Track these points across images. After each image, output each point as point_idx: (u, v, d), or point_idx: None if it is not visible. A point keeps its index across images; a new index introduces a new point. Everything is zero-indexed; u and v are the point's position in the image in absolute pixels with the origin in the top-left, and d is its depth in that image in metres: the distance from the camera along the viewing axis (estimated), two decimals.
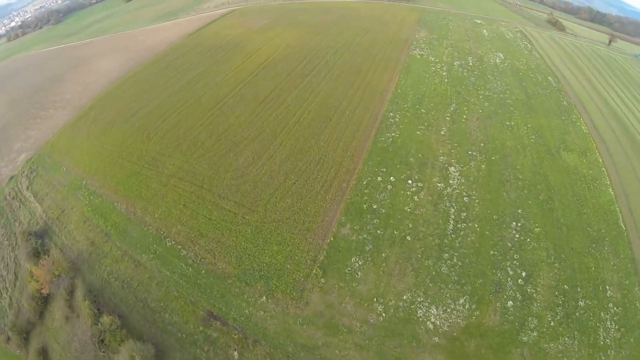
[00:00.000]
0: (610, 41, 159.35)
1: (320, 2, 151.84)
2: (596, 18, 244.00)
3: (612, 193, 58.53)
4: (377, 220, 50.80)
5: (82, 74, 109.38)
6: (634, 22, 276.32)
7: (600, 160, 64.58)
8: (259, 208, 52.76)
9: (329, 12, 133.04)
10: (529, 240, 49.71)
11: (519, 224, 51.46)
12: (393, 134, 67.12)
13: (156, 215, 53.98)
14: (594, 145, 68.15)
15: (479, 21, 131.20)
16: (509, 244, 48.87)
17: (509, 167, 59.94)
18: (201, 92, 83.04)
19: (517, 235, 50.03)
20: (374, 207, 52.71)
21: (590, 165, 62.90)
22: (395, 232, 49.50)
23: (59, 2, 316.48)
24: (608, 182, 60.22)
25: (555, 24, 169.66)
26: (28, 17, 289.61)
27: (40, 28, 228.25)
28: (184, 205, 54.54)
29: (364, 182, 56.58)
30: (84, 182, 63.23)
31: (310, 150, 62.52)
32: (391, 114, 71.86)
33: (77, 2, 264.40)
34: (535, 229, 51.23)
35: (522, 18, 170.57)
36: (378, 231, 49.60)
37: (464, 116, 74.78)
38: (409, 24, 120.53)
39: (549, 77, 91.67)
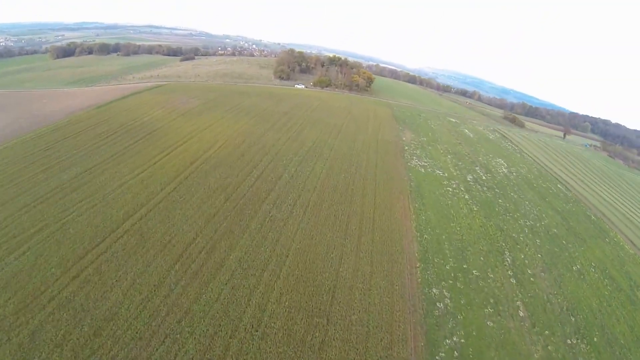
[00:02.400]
0: (565, 134, 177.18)
1: (266, 87, 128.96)
2: (530, 112, 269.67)
3: None
4: None
5: None
6: (561, 113, 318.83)
7: None
8: None
9: (281, 99, 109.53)
10: None
11: None
12: (453, 340, 34.29)
13: None
14: None
15: (453, 119, 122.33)
16: None
17: (616, 347, 40.82)
18: (74, 214, 42.69)
19: None
20: None
21: None
22: None
23: None
24: None
25: (514, 121, 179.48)
26: None
27: None
28: None
29: None
30: None
31: None
32: (434, 290, 39.81)
33: (7, 49, 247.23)
34: None
35: (481, 115, 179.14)
36: None
37: (528, 270, 49.20)
38: (386, 121, 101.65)
39: (558, 185, 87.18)
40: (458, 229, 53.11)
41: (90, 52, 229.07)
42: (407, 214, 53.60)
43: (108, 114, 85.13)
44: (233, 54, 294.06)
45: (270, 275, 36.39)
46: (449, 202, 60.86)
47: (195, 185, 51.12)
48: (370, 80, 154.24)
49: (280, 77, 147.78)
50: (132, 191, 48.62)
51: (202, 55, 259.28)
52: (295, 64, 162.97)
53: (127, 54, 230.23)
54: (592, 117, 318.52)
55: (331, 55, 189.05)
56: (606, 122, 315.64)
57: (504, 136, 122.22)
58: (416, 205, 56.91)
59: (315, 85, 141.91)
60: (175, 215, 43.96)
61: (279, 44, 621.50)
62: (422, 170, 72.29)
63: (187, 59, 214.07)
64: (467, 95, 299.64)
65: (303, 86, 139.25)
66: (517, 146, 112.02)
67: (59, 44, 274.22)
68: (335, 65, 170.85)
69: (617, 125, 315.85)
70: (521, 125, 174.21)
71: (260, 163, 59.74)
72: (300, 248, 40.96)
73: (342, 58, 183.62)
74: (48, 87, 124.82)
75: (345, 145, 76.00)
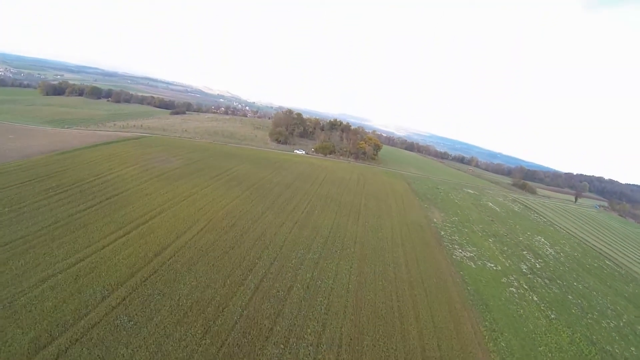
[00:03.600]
0: (576, 198, 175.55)
1: (261, 151, 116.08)
2: (528, 176, 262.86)
3: None
4: None
5: None
6: (557, 174, 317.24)
7: None
8: None
9: (280, 167, 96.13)
10: None
11: None
12: None
13: None
14: None
15: (470, 191, 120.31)
16: None
17: None
18: None
19: None
20: None
21: None
22: None
23: None
24: None
25: (524, 187, 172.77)
26: None
27: None
28: None
29: None
30: None
31: None
32: None
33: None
34: None
35: (490, 183, 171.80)
36: None
37: None
38: (408, 198, 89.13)
39: (605, 261, 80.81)
40: (549, 354, 36.76)
41: (80, 94, 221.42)
42: (480, 340, 36.40)
43: (68, 164, 69.61)
44: (226, 113, 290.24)
45: None
46: (521, 311, 45.23)
47: (155, 298, 32.19)
48: (377, 148, 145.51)
49: (277, 140, 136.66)
50: (55, 297, 29.54)
51: (194, 111, 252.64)
52: (294, 127, 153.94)
53: (118, 101, 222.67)
54: (586, 175, 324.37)
55: (332, 119, 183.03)
56: (600, 180, 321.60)
57: (527, 207, 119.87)
58: (486, 324, 39.94)
59: (317, 151, 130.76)
60: (135, 336, 24.58)
61: (271, 106, 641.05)
62: (472, 264, 57.06)
63: (177, 113, 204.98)
64: (464, 161, 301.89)
65: (303, 152, 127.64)
66: (544, 217, 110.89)
67: (51, 81, 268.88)
68: (337, 130, 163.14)
69: (612, 182, 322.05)
70: (533, 192, 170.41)
71: (258, 263, 41.83)
72: None
73: (344, 122, 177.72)
74: (22, 122, 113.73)
75: (372, 234, 59.92)
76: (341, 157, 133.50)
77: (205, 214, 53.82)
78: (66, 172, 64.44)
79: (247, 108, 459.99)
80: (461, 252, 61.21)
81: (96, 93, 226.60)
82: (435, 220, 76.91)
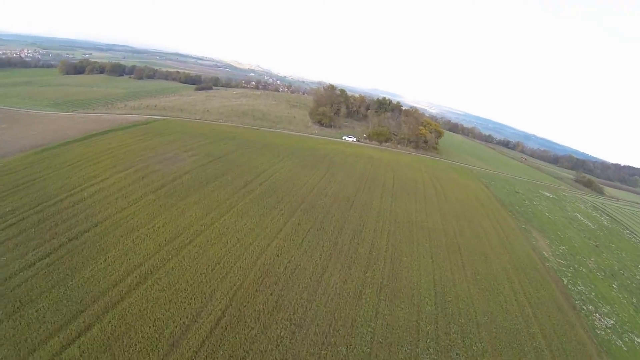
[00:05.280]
0: None
1: (303, 138, 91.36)
2: (576, 165, 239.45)
3: None
4: None
5: None
6: (605, 165, 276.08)
7: None
8: None
9: (331, 164, 71.83)
10: None
11: None
12: None
13: None
14: None
15: (547, 194, 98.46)
16: None
17: None
18: None
19: None
20: None
21: None
22: None
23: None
24: None
25: (589, 185, 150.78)
26: None
27: None
28: None
29: None
30: None
31: None
32: None
33: (21, 59, 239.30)
34: None
35: (553, 178, 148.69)
36: None
37: None
38: (497, 213, 64.66)
39: None
40: None
41: (101, 72, 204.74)
42: None
43: (43, 168, 50.48)
44: (257, 88, 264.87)
45: None
46: None
47: None
48: (439, 135, 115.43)
49: (320, 122, 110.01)
50: None
51: (223, 86, 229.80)
52: (339, 106, 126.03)
53: (140, 78, 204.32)
54: (635, 167, 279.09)
55: (380, 97, 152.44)
56: None
57: (613, 218, 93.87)
58: None
59: (370, 138, 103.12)
60: None
61: (303, 81, 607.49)
62: (620, 342, 34.49)
63: (202, 89, 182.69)
64: (509, 146, 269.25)
65: (354, 139, 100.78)
66: (627, 228, 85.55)
67: (73, 60, 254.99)
68: (387, 111, 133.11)
69: None
70: (600, 191, 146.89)
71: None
72: None
73: (394, 101, 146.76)
74: (27, 106, 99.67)
75: (491, 298, 35.63)
76: (399, 145, 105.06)
77: (227, 276, 30.13)
78: (35, 183, 43.53)
79: (278, 82, 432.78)
80: (600, 319, 37.25)
81: (118, 70, 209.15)
82: (544, 253, 51.10)
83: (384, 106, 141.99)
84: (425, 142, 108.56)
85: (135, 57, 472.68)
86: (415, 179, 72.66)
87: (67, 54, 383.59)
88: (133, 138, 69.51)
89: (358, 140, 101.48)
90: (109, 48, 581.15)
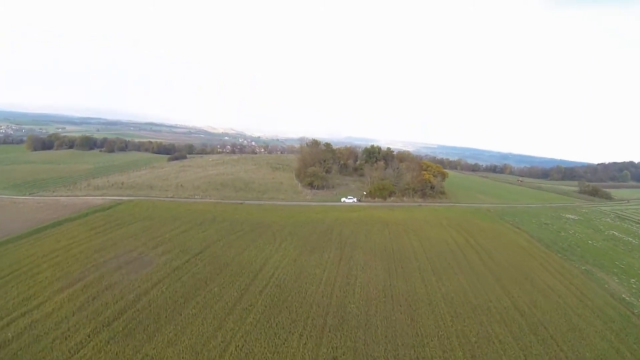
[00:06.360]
0: None
1: (297, 209, 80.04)
2: (567, 175, 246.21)
3: None
4: None
5: None
6: (593, 167, 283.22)
7: None
8: None
9: (344, 241, 58.86)
10: None
11: None
12: None
13: None
14: None
15: (572, 216, 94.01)
16: None
17: None
18: None
19: None
20: None
21: None
22: None
23: None
24: None
25: (596, 194, 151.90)
26: None
27: None
28: None
29: None
30: None
31: None
32: None
33: None
34: None
35: (561, 195, 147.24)
36: None
37: None
38: (556, 262, 55.23)
39: None
40: None
41: (71, 146, 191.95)
42: None
43: None
44: (233, 152, 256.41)
45: None
46: None
47: None
48: (444, 177, 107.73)
49: (310, 184, 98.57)
50: None
51: (198, 153, 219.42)
52: (331, 163, 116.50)
53: (111, 151, 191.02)
54: (619, 162, 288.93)
55: (367, 146, 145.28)
56: (636, 165, 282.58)
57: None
58: None
59: (372, 195, 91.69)
60: None
61: (277, 139, 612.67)
62: None
63: (176, 158, 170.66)
64: (497, 170, 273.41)
65: (354, 199, 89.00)
66: None
67: (42, 134, 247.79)
68: (378, 160, 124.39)
69: None
70: (608, 197, 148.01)
71: None
72: None
73: (386, 149, 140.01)
74: None
75: None
76: (404, 198, 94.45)
77: None
78: None
79: (253, 143, 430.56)
80: None
81: (88, 144, 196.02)
82: (624, 297, 44.60)
83: (374, 155, 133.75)
84: (432, 187, 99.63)
85: (108, 129, 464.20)
86: (444, 239, 60.19)
87: (40, 128, 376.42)
88: (89, 231, 54.43)
89: (359, 200, 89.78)
90: (83, 121, 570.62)
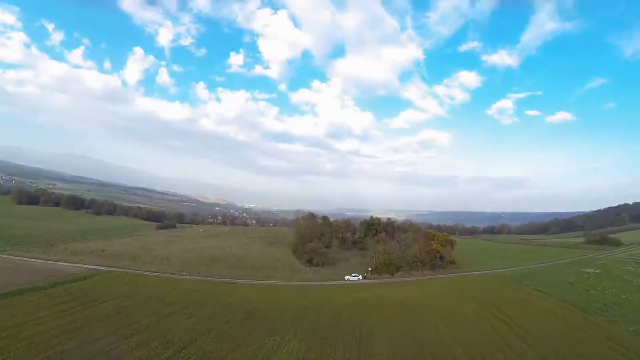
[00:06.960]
0: None
1: (298, 291, 73.17)
2: (566, 227, 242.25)
3: None
4: None
5: None
6: (590, 215, 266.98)
7: None
8: None
9: (357, 336, 50.63)
10: None
11: None
12: None
13: None
14: None
15: (590, 270, 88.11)
16: None
17: None
18: None
19: None
20: None
21: None
22: None
23: None
24: None
25: (605, 242, 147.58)
26: None
27: None
28: None
29: None
30: None
31: None
32: None
33: None
34: None
35: (570, 249, 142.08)
36: None
37: None
38: (595, 327, 44.77)
39: None
40: None
41: (57, 204, 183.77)
42: None
43: None
44: (224, 223, 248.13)
45: None
46: None
47: None
48: (452, 245, 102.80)
49: (309, 260, 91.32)
50: None
51: (187, 223, 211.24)
52: (330, 237, 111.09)
53: (99, 213, 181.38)
54: (614, 206, 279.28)
55: (365, 218, 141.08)
56: (632, 207, 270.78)
57: None
58: None
59: (379, 272, 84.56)
60: None
61: (269, 211, 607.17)
62: None
63: (165, 227, 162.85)
64: (495, 231, 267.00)
65: (359, 277, 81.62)
66: None
67: (30, 187, 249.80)
68: (378, 232, 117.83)
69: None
70: (619, 243, 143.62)
71: None
72: None
73: (386, 219, 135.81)
74: None
75: None
76: (412, 271, 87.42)
77: None
78: None
79: (245, 215, 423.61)
80: None
81: (74, 203, 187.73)
82: None
83: (374, 227, 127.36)
84: (441, 258, 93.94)
85: (99, 190, 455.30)
86: (474, 320, 51.54)
87: (30, 182, 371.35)
88: (53, 307, 45.87)
89: (364, 277, 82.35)
90: (74, 180, 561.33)
